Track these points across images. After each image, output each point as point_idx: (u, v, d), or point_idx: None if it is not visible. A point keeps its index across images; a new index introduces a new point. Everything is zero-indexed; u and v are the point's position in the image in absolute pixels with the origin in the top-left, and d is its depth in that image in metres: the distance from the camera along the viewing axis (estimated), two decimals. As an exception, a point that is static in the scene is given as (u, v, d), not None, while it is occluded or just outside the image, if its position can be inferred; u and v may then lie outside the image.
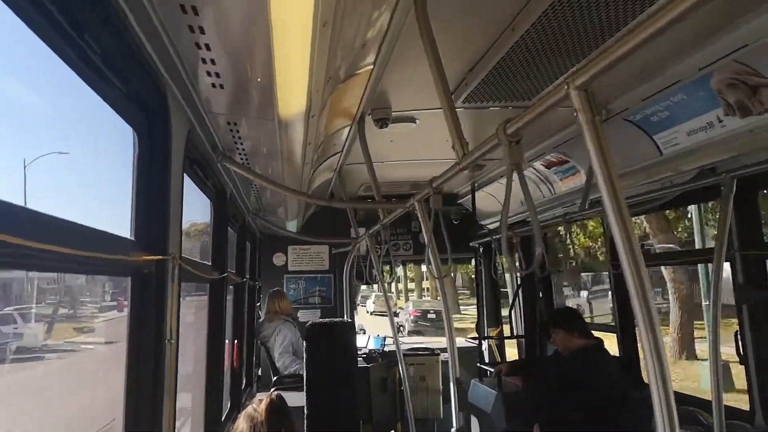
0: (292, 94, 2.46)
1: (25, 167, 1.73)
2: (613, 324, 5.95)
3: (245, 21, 1.84)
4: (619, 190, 1.50)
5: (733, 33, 2.88)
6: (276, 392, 3.11)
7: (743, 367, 4.05)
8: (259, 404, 3.03)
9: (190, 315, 4.25)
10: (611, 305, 6.07)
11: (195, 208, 4.29)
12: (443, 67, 2.63)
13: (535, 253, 2.05)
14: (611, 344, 5.56)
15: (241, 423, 2.97)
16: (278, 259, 8.60)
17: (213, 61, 2.13)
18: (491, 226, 7.91)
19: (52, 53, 1.49)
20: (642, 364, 5.77)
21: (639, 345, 5.78)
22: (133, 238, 2.17)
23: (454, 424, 3.59)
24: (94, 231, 1.74)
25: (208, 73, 2.25)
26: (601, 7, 2.69)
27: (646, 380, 5.46)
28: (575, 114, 1.53)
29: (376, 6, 2.39)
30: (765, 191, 4.02)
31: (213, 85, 2.38)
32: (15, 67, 1.58)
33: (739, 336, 4.07)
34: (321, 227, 8.25)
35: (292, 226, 7.45)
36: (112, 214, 2.56)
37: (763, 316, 3.99)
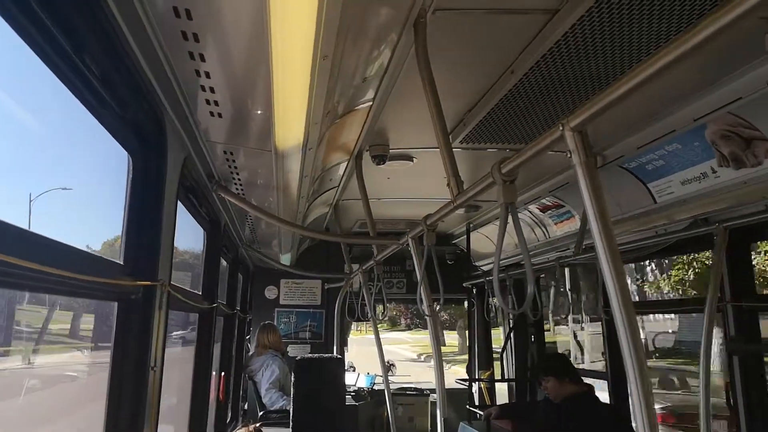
0: (290, 125, 2.47)
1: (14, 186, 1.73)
2: (605, 371, 5.90)
3: (246, 50, 1.86)
4: (612, 234, 1.49)
5: (727, 85, 2.92)
6: (254, 425, 3.04)
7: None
8: None
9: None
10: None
11: (187, 237, 4.28)
12: (441, 105, 2.65)
13: (527, 298, 2.03)
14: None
15: None
16: (270, 292, 8.55)
17: (212, 90, 2.14)
18: (485, 268, 7.89)
19: (50, 72, 1.50)
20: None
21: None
22: (122, 263, 2.15)
23: None
24: (81, 252, 1.73)
25: (207, 102, 2.26)
26: (599, 54, 2.73)
27: (636, 430, 5.43)
28: (569, 156, 1.54)
29: (377, 42, 2.42)
30: (758, 243, 4.02)
31: (211, 114, 2.39)
32: (11, 85, 1.59)
33: (729, 388, 4.03)
34: (314, 262, 8.23)
35: (285, 259, 7.43)
36: (104, 237, 2.55)
37: (753, 369, 3.97)
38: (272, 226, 5.22)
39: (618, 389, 5.70)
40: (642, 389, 1.43)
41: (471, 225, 7.29)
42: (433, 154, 4.38)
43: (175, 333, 4.67)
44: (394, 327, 53.33)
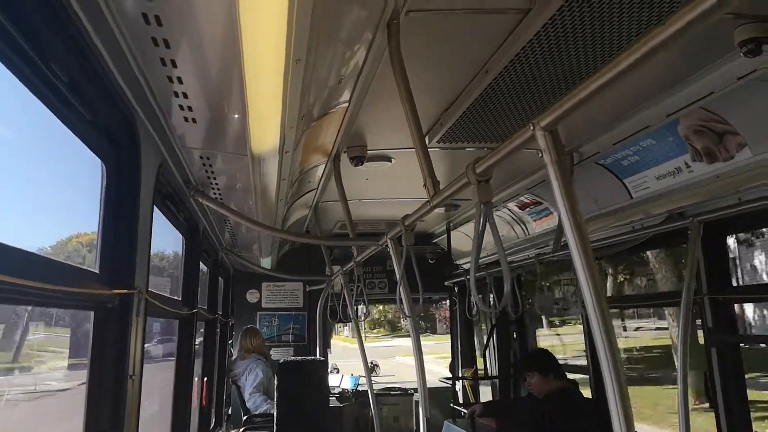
0: (266, 129, 2.47)
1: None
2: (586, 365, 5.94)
3: (218, 55, 1.85)
4: (585, 231, 1.50)
5: (699, 80, 2.95)
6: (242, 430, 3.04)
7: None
8: None
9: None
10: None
11: (166, 243, 4.26)
12: (416, 105, 2.66)
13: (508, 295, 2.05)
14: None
15: None
16: (252, 296, 8.52)
17: (185, 95, 2.13)
18: (466, 266, 7.91)
19: (17, 81, 1.48)
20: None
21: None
22: (97, 271, 2.13)
23: None
24: (55, 262, 1.71)
25: (181, 107, 2.25)
26: (571, 52, 2.75)
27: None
28: (540, 155, 1.55)
29: (350, 44, 2.42)
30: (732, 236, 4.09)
31: (186, 119, 2.38)
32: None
33: (707, 380, 4.08)
34: (296, 264, 8.20)
35: (266, 262, 7.40)
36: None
37: (731, 360, 4.01)
38: (252, 230, 5.21)
39: (600, 384, 5.73)
40: (617, 383, 1.45)
41: (451, 224, 7.31)
42: (411, 154, 4.37)
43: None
44: (395, 332, 47.11)
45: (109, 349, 2.13)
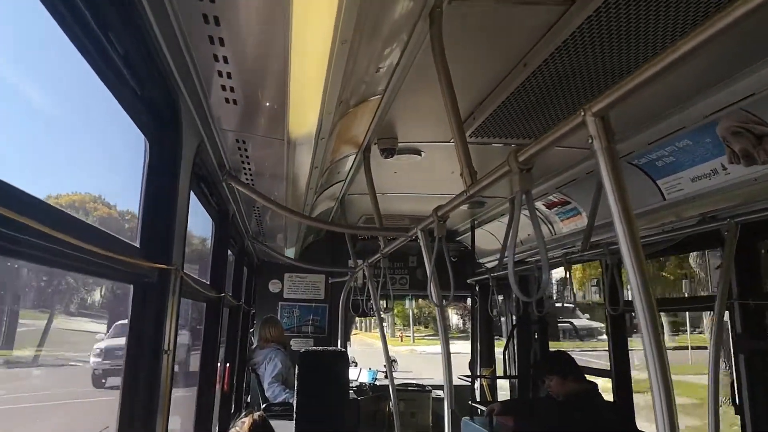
0: (304, 113, 2.48)
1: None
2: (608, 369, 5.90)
3: (265, 34, 1.86)
4: (634, 222, 1.46)
5: (740, 81, 2.92)
6: (259, 413, 3.07)
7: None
8: (242, 425, 2.99)
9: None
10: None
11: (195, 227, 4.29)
12: (456, 96, 2.65)
13: (532, 293, 2.03)
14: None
15: None
16: (274, 286, 8.58)
17: (229, 75, 2.14)
18: (489, 265, 7.89)
19: (73, 47, 1.50)
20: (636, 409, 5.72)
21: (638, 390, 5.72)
22: (138, 245, 2.16)
23: None
24: (101, 232, 1.73)
25: (223, 87, 2.26)
26: (614, 47, 2.72)
27: (640, 427, 5.44)
28: (590, 141, 1.53)
29: (392, 31, 2.42)
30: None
31: (226, 100, 2.40)
32: (37, 62, 1.59)
33: (735, 386, 4.03)
34: (318, 256, 8.24)
35: (290, 253, 7.44)
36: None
37: (760, 367, 3.96)
38: (278, 218, 5.23)
39: (621, 387, 5.70)
40: (663, 386, 1.38)
41: (476, 221, 7.30)
42: (440, 148, 4.37)
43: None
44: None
45: (148, 323, 2.16)
